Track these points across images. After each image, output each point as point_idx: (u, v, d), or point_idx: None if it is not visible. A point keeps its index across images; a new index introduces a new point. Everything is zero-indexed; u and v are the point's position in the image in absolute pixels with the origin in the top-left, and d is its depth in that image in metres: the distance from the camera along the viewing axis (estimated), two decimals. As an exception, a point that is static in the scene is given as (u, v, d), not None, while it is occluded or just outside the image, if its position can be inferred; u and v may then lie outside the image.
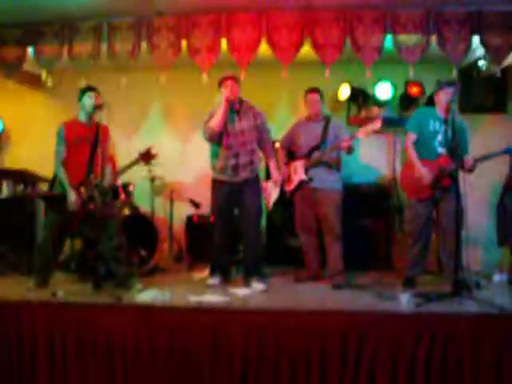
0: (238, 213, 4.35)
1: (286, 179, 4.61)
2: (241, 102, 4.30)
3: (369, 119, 4.46)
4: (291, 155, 4.72)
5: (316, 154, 4.46)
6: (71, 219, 4.00)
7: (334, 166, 4.50)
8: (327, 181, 4.43)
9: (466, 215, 4.00)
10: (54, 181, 4.14)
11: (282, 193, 4.59)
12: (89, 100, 4.04)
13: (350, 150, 4.34)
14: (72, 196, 3.93)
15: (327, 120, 4.54)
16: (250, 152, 4.27)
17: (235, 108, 4.25)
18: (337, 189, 4.46)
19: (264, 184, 4.48)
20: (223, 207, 4.31)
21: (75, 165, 4.01)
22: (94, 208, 3.88)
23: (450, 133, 3.89)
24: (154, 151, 4.20)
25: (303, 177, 4.47)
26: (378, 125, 4.10)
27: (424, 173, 4.05)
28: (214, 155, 4.31)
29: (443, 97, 4.08)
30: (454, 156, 3.90)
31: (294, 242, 5.08)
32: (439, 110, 4.15)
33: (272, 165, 4.43)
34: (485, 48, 4.41)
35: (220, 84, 4.22)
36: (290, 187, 4.60)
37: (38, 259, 4.07)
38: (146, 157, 4.19)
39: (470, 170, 3.97)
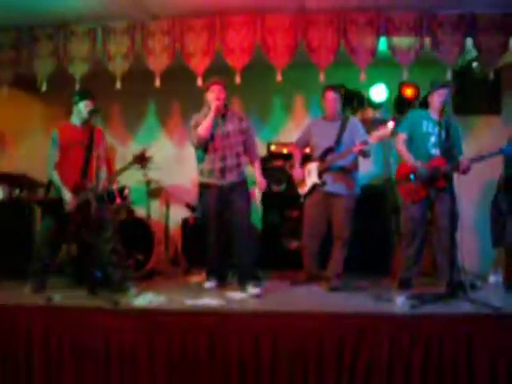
0: (227, 216, 4.28)
1: (300, 181, 4.54)
2: (226, 106, 4.30)
3: (381, 123, 4.28)
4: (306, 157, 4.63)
5: (330, 157, 4.34)
6: (67, 224, 4.00)
7: (351, 169, 4.36)
8: (343, 186, 4.30)
9: (461, 216, 4.01)
10: (49, 185, 4.14)
11: (276, 194, 4.55)
12: (84, 106, 4.04)
13: (364, 154, 4.21)
14: (68, 197, 3.93)
15: (344, 120, 4.41)
16: (236, 155, 4.26)
17: (222, 113, 4.25)
18: (351, 194, 4.32)
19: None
20: (214, 210, 4.28)
21: (70, 168, 4.02)
22: (89, 212, 3.87)
23: (443, 134, 3.90)
24: (148, 154, 4.17)
25: (317, 180, 4.37)
26: (389, 129, 3.96)
27: (417, 165, 4.05)
28: (201, 159, 4.31)
29: (437, 98, 4.10)
30: (448, 157, 3.91)
31: (290, 245, 5.09)
32: (433, 112, 4.17)
33: (257, 168, 4.40)
34: (478, 50, 4.43)
35: (206, 88, 4.24)
36: (303, 190, 4.51)
37: (35, 264, 4.06)
38: (141, 159, 4.15)
39: (465, 172, 3.98)
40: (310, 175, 4.43)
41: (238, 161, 4.27)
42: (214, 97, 4.16)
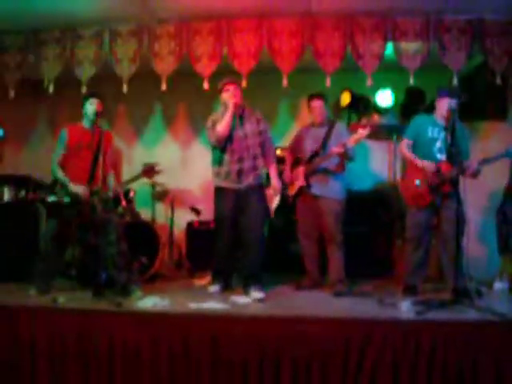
0: (242, 221, 4.22)
1: (290, 184, 4.60)
2: (243, 107, 4.27)
3: (360, 126, 4.38)
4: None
5: (315, 160, 4.43)
6: (72, 226, 4.01)
7: (337, 173, 4.42)
8: (328, 189, 4.37)
9: (467, 222, 3.99)
10: (54, 186, 4.13)
11: (284, 197, 4.58)
12: (90, 106, 4.05)
13: (346, 157, 4.29)
14: (77, 188, 3.92)
15: (331, 125, 4.48)
16: (253, 157, 4.21)
17: (239, 113, 4.22)
18: (338, 198, 4.38)
19: (266, 192, 4.44)
20: (228, 214, 4.22)
21: (77, 170, 4.01)
22: (95, 215, 3.88)
23: (449, 139, 3.89)
24: (157, 168, 4.13)
25: (302, 183, 4.45)
26: (365, 132, 4.06)
27: (426, 164, 4.05)
28: (217, 161, 4.25)
29: (444, 105, 4.08)
30: (454, 162, 3.89)
31: (295, 248, 5.06)
32: (439, 117, 4.16)
33: (272, 171, 4.35)
34: (485, 56, 4.42)
35: (221, 89, 4.21)
36: (291, 192, 4.59)
37: (40, 266, 4.06)
38: (149, 173, 4.13)
39: (475, 175, 3.95)
40: (298, 178, 4.51)
41: (255, 163, 4.22)
42: (230, 95, 4.13)
